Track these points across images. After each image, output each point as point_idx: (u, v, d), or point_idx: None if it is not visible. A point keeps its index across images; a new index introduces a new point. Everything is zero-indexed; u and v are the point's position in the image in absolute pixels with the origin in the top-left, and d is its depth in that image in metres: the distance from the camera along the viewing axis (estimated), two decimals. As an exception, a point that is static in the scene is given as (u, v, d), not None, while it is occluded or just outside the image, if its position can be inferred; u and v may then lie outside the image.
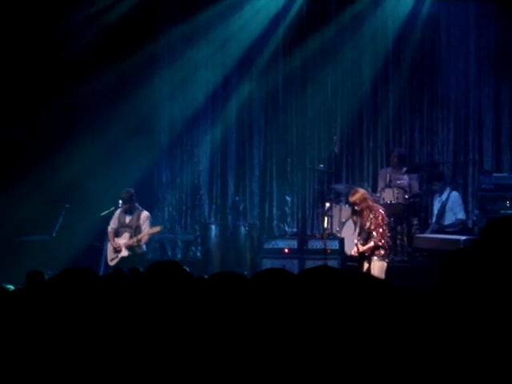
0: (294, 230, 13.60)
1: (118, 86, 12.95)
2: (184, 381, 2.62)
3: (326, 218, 11.41)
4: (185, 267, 3.00)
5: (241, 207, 13.62)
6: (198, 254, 13.38)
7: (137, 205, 11.52)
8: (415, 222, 12.27)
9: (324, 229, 11.37)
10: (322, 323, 2.35)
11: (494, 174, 12.28)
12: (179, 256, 13.55)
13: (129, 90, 13.05)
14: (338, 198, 12.36)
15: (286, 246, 11.67)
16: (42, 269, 8.00)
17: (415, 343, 2.40)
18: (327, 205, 11.61)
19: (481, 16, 13.11)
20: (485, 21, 13.09)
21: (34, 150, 12.83)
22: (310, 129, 13.80)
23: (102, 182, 12.40)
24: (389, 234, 10.29)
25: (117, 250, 11.35)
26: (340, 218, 11.73)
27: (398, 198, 11.82)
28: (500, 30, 12.94)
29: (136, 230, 11.34)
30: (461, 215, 12.03)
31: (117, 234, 11.45)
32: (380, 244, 9.84)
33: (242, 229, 12.34)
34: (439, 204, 12.04)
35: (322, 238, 11.29)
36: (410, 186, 12.16)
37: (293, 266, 11.03)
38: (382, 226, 9.90)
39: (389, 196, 11.84)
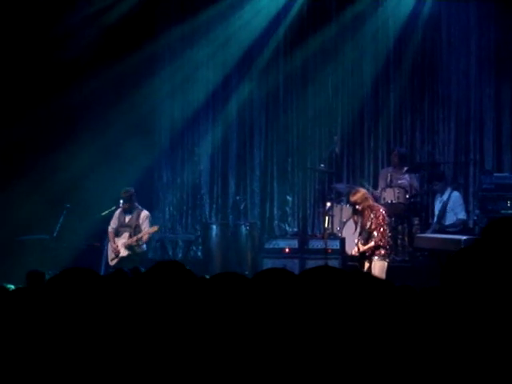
0: (295, 229, 13.60)
1: (118, 85, 12.94)
2: (187, 380, 2.62)
3: (326, 218, 11.41)
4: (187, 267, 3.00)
5: (242, 207, 13.62)
6: (199, 254, 13.39)
7: (136, 204, 11.52)
8: (416, 222, 12.26)
9: (325, 228, 11.36)
10: (322, 323, 2.34)
11: (495, 174, 12.27)
12: (180, 256, 13.55)
13: (129, 90, 13.05)
14: (338, 198, 12.35)
15: (287, 245, 11.67)
16: (42, 268, 8.00)
17: (416, 343, 2.40)
18: (328, 204, 11.62)
19: (482, 16, 13.10)
20: (485, 20, 13.08)
21: (34, 150, 12.83)
22: (310, 128, 13.79)
23: (103, 182, 12.40)
24: (389, 234, 10.28)
25: (116, 251, 11.37)
26: (341, 217, 11.73)
27: (398, 198, 11.81)
28: (501, 29, 12.93)
29: (135, 229, 11.34)
30: (462, 215, 12.03)
31: (117, 233, 11.45)
32: (381, 244, 9.83)
33: (243, 228, 12.34)
34: (440, 204, 12.03)
35: (322, 237, 11.29)
36: (410, 185, 12.16)
37: (294, 265, 11.03)
38: (382, 226, 9.89)
39: (390, 196, 11.83)
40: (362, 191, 10.20)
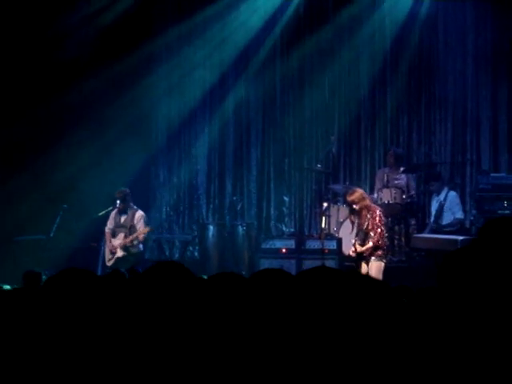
0: (292, 230, 13.61)
1: (114, 85, 12.94)
2: (187, 381, 2.62)
3: (323, 218, 11.41)
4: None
5: (238, 207, 13.62)
6: (196, 254, 13.38)
7: (131, 204, 11.53)
8: (413, 222, 12.26)
9: (322, 229, 11.36)
10: (319, 323, 2.34)
11: (492, 174, 12.27)
12: (177, 256, 13.56)
13: (126, 90, 13.05)
14: (335, 198, 12.36)
15: (284, 246, 11.68)
16: (38, 269, 7.99)
17: (413, 343, 2.40)
18: (325, 205, 11.61)
19: (479, 15, 13.11)
20: (482, 20, 13.09)
21: (31, 150, 12.83)
22: (307, 129, 13.80)
23: (99, 182, 12.41)
24: (386, 234, 10.29)
25: (112, 252, 11.39)
26: (338, 218, 11.74)
27: (395, 198, 11.82)
28: (497, 29, 12.94)
29: (131, 229, 11.36)
30: (459, 214, 12.04)
31: (113, 234, 11.47)
32: (378, 244, 9.84)
33: (240, 229, 12.34)
34: (437, 204, 12.04)
35: (319, 238, 11.29)
36: (407, 185, 12.16)
37: (290, 266, 11.04)
38: (379, 227, 9.90)
39: (386, 196, 11.84)
40: (360, 191, 10.22)
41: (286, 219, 13.83)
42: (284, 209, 13.83)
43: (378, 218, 9.89)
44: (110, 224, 11.53)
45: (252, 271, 10.10)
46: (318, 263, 10.28)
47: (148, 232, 11.53)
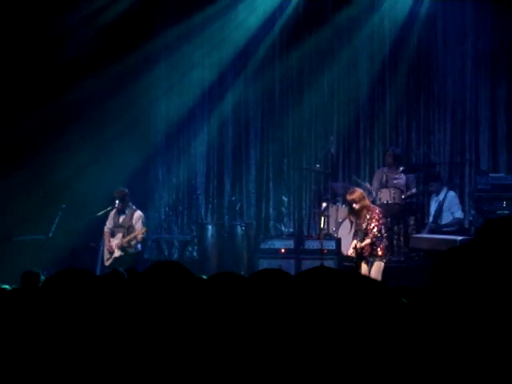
0: (291, 230, 13.61)
1: (114, 85, 12.93)
2: (187, 380, 2.62)
3: (322, 218, 11.41)
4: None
5: (237, 207, 13.62)
6: (195, 254, 13.38)
7: (130, 204, 11.54)
8: (412, 222, 12.27)
9: (321, 229, 11.36)
10: (318, 323, 2.34)
11: (491, 175, 12.28)
12: (176, 256, 13.55)
13: (125, 90, 13.04)
14: (334, 198, 12.36)
15: (283, 246, 11.68)
16: (37, 269, 7.98)
17: (412, 343, 2.40)
18: (324, 205, 11.61)
19: (478, 16, 13.10)
20: (482, 20, 13.08)
21: (30, 150, 12.82)
22: (306, 129, 13.80)
23: (98, 182, 12.41)
24: (385, 235, 10.30)
25: (110, 252, 11.40)
26: (337, 218, 11.74)
27: (394, 198, 11.82)
28: (497, 29, 12.93)
29: (129, 229, 11.36)
30: (458, 214, 12.05)
31: (112, 234, 11.48)
32: (376, 238, 9.85)
33: (239, 229, 12.33)
34: (436, 204, 12.05)
35: (318, 238, 11.29)
36: (406, 185, 12.16)
37: (289, 266, 11.03)
38: (377, 226, 9.93)
39: (385, 196, 11.84)
40: (360, 191, 10.25)
41: (285, 219, 13.83)
42: (283, 209, 13.83)
43: (376, 219, 9.91)
44: (109, 224, 11.54)
45: (251, 271, 10.10)
46: (316, 263, 10.29)
47: (143, 233, 11.52)
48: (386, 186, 12.06)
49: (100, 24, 12.96)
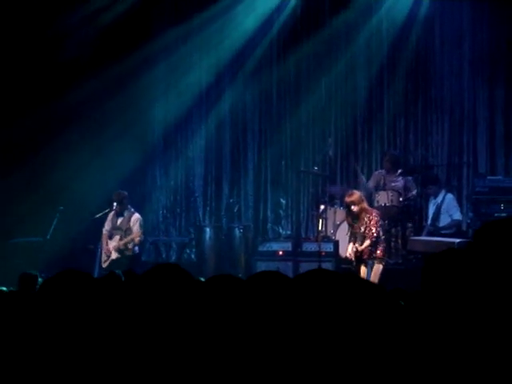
0: (289, 232, 13.61)
1: (112, 87, 12.93)
2: (186, 381, 2.62)
3: (320, 221, 11.40)
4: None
5: (235, 209, 13.62)
6: (193, 257, 13.38)
7: (129, 207, 11.54)
8: (410, 225, 12.26)
9: (318, 231, 11.36)
10: (316, 325, 2.34)
11: (489, 177, 12.27)
12: (174, 258, 13.55)
13: (123, 92, 13.04)
14: (332, 201, 12.35)
15: (281, 248, 11.68)
16: (34, 271, 7.98)
17: (407, 345, 2.40)
18: (322, 207, 11.60)
19: (475, 16, 13.10)
20: (479, 21, 13.08)
21: (28, 151, 12.81)
22: (304, 131, 13.79)
23: (96, 184, 12.40)
24: (383, 237, 10.32)
25: (107, 254, 11.40)
26: (334, 220, 11.74)
27: (392, 201, 11.82)
28: (494, 30, 12.93)
29: (126, 232, 11.36)
30: (457, 216, 12.05)
31: (110, 236, 11.48)
32: (375, 239, 9.87)
33: (237, 231, 12.33)
34: (434, 206, 12.04)
35: (316, 240, 11.29)
36: (405, 188, 12.15)
37: (287, 268, 11.04)
38: (376, 228, 9.96)
39: (383, 199, 11.83)
40: (359, 193, 10.27)
41: (283, 222, 13.82)
42: (281, 211, 13.83)
43: (374, 221, 9.93)
44: (107, 226, 11.54)
45: (249, 273, 10.11)
46: (314, 266, 10.30)
47: (138, 237, 11.50)
48: (384, 189, 12.05)
49: (100, 25, 12.98)
